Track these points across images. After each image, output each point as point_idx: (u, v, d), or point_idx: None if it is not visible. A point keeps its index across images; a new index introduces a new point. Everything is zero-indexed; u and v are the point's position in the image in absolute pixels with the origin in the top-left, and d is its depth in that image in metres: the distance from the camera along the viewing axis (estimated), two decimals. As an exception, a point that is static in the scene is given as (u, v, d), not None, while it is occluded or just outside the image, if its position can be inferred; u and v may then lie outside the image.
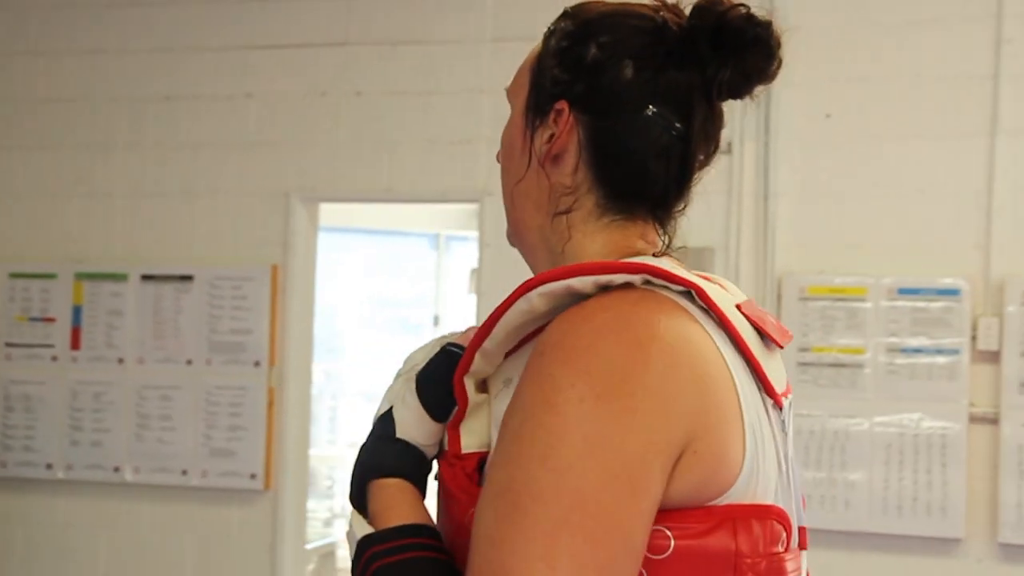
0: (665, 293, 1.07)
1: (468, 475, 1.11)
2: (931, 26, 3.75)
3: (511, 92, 1.24)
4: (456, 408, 1.14)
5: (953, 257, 3.65)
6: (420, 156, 4.17)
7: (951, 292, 3.60)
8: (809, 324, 3.70)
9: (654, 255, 1.17)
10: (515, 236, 1.25)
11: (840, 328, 3.67)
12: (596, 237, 1.17)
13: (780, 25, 1.14)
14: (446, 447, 1.16)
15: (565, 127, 1.16)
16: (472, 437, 1.13)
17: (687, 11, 1.16)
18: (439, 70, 4.16)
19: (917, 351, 3.60)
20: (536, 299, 1.08)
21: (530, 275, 1.14)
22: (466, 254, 7.34)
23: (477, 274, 4.19)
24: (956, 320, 3.58)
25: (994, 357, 3.57)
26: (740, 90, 1.16)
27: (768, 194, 3.81)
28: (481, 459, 1.12)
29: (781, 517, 1.08)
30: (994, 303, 3.59)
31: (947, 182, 3.69)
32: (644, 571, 1.00)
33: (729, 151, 3.87)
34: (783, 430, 1.15)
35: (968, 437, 3.56)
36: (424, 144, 4.16)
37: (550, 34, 1.21)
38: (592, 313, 1.03)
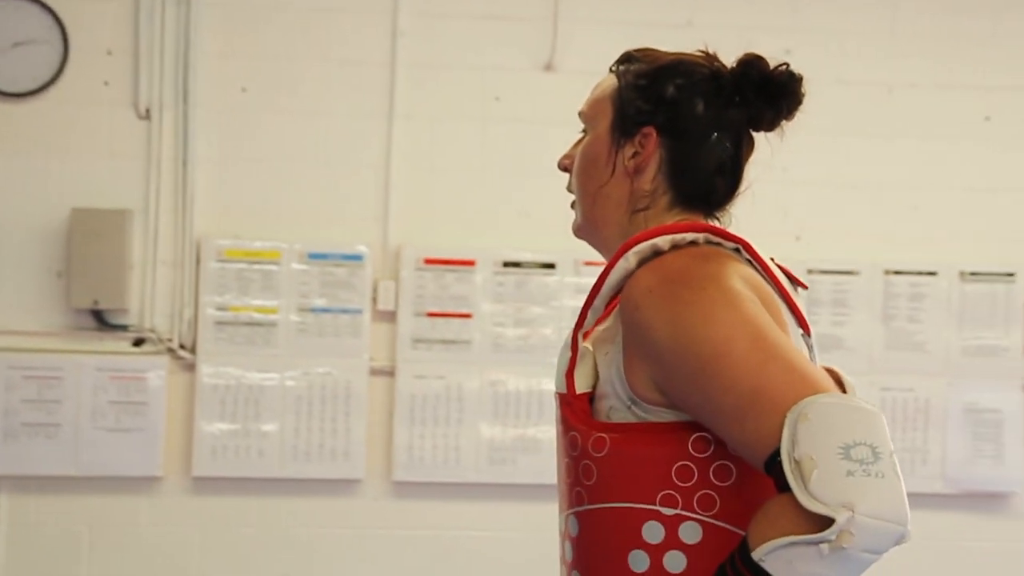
0: (721, 249, 1.46)
1: (585, 411, 1.45)
2: (335, 14, 4.08)
3: (588, 116, 1.61)
4: (569, 358, 1.43)
5: (357, 225, 4.02)
6: None
7: (355, 257, 3.97)
8: (226, 285, 3.91)
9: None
10: (590, 229, 1.61)
11: (255, 289, 3.92)
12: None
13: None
14: (560, 389, 1.49)
15: (651, 147, 1.53)
16: (581, 380, 1.46)
17: (726, 61, 1.51)
18: None
19: (325, 311, 3.94)
20: (632, 257, 1.40)
21: None
22: None
23: None
24: (359, 283, 3.96)
25: (391, 317, 4.00)
26: (772, 125, 1.56)
27: (187, 160, 3.96)
28: (589, 397, 1.46)
29: None
30: (391, 268, 4.02)
31: (352, 158, 4.06)
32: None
33: (148, 117, 3.97)
34: (812, 353, 1.53)
35: (369, 388, 3.96)
36: None
37: (624, 72, 1.59)
38: (673, 260, 1.42)
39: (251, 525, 3.96)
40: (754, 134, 1.61)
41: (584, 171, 1.60)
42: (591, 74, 4.21)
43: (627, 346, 1.41)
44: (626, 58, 1.62)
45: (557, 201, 4.12)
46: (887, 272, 4.18)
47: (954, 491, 4.18)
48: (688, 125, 1.54)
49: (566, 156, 1.65)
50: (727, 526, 1.38)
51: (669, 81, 1.55)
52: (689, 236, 1.46)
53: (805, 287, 1.60)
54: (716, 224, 1.56)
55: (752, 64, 1.53)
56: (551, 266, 4.06)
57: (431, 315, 3.99)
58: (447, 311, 4.00)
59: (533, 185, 4.14)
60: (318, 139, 4.05)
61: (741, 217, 4.29)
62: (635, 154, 1.55)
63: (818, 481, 1.22)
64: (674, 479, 1.39)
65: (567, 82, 4.18)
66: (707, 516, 1.39)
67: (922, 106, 4.31)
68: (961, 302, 4.21)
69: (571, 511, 1.47)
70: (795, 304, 1.53)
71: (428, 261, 4.01)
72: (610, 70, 1.65)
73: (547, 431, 4.02)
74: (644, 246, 1.44)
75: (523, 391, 4.02)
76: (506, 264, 4.04)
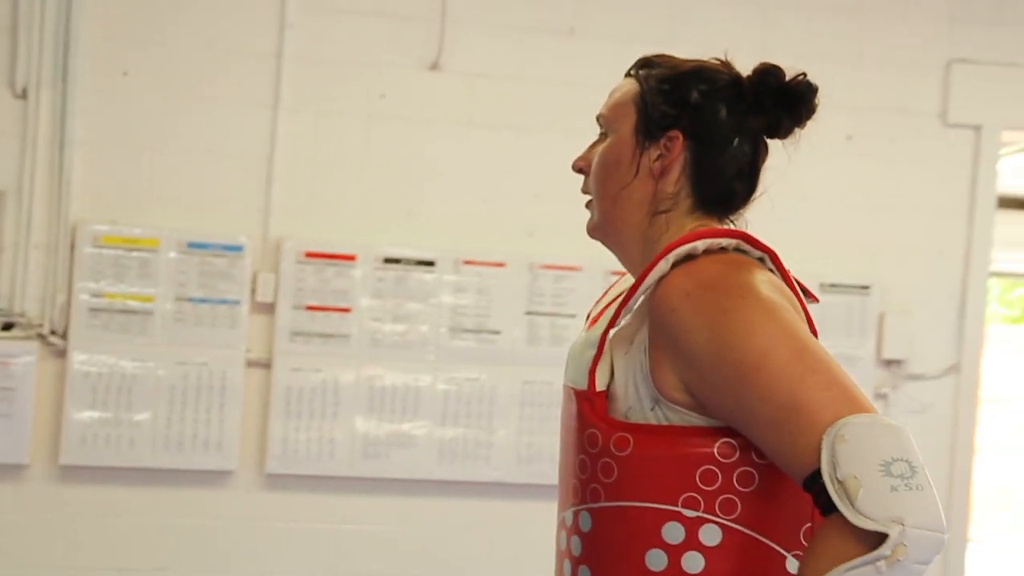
0: (748, 257, 1.51)
1: (604, 408, 1.48)
2: (223, 2, 4.05)
3: (609, 119, 1.63)
4: (593, 355, 1.43)
5: (237, 216, 4.01)
6: None
7: (234, 248, 3.95)
8: (101, 272, 3.85)
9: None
10: (608, 229, 1.62)
11: (132, 277, 3.87)
12: (686, 231, 1.55)
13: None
14: (580, 387, 1.50)
15: (678, 150, 1.56)
16: (600, 377, 1.50)
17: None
18: None
19: (202, 301, 3.92)
20: (671, 260, 1.42)
21: None
22: None
23: None
24: (238, 273, 3.95)
25: (270, 308, 4.00)
26: (787, 133, 1.61)
27: (64, 142, 3.88)
28: (605, 395, 1.49)
29: None
30: (271, 260, 4.01)
31: (234, 148, 4.04)
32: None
33: (24, 96, 3.88)
34: None
35: (245, 380, 3.95)
36: None
37: (646, 76, 1.60)
38: (707, 265, 1.46)
39: (120, 515, 3.91)
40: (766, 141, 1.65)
41: (605, 172, 1.62)
42: (476, 75, 4.30)
43: (655, 347, 1.45)
44: (645, 63, 1.64)
45: (439, 199, 4.20)
46: (753, 281, 4.34)
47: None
48: (712, 130, 1.57)
49: (581, 158, 1.68)
50: (746, 530, 1.43)
51: (693, 86, 1.58)
52: (723, 242, 1.50)
53: (817, 300, 1.66)
54: (746, 231, 1.60)
55: (770, 72, 1.58)
56: (431, 264, 4.11)
57: (310, 308, 4.00)
58: (326, 305, 4.02)
59: (416, 183, 4.18)
60: (201, 127, 4.02)
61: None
62: (660, 157, 1.58)
63: (865, 499, 1.27)
64: (698, 482, 1.43)
65: (452, 82, 4.24)
66: (727, 520, 1.43)
67: (790, 123, 4.48)
68: (820, 313, 4.38)
69: (583, 507, 1.49)
70: (810, 317, 1.58)
71: (309, 254, 4.01)
72: (627, 74, 1.66)
73: (421, 426, 4.07)
74: (683, 249, 1.47)
75: (399, 386, 4.06)
76: (387, 260, 4.08)
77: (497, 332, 4.14)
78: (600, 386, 1.50)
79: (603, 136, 1.66)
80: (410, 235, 4.14)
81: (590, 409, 1.49)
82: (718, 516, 1.43)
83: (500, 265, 4.16)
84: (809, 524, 1.47)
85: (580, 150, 4.48)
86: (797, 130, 1.62)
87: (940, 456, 4.55)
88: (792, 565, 1.45)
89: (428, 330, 4.10)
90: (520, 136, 4.30)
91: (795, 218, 4.46)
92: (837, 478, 1.28)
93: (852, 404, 1.34)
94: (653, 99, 1.59)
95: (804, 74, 1.59)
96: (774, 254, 1.55)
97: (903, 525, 1.26)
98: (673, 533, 1.43)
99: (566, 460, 1.55)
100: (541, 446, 4.16)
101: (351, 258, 4.04)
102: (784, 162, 4.45)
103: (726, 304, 1.41)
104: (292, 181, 4.06)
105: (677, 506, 1.43)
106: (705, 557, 1.43)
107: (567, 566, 1.54)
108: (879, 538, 1.26)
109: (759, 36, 4.46)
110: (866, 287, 4.45)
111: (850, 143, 4.53)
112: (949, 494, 4.54)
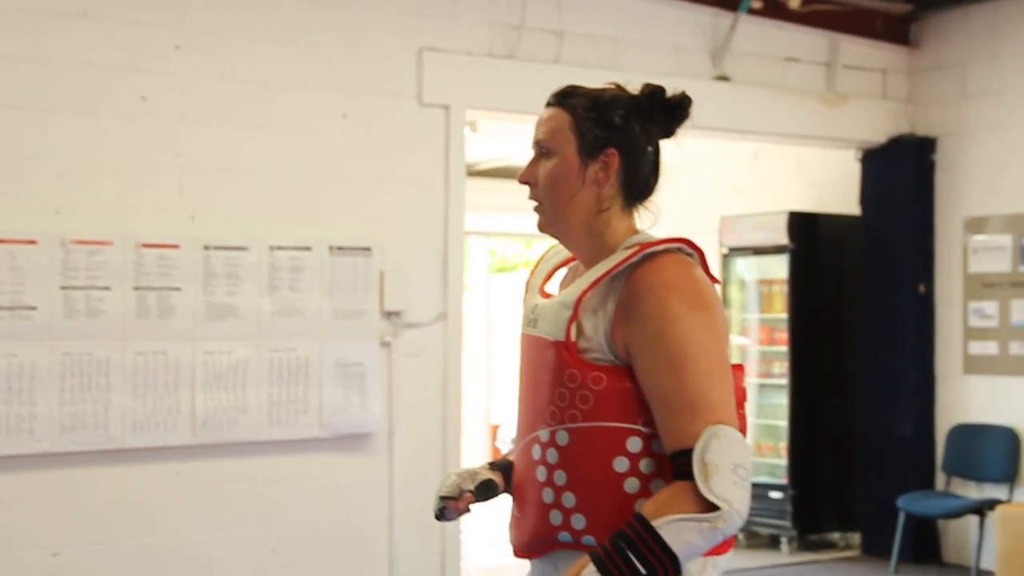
0: (690, 258, 2.03)
1: (576, 354, 2.01)
2: None
3: (551, 143, 2.10)
4: (570, 315, 2.02)
5: None
6: None
7: None
8: None
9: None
10: (560, 226, 2.12)
11: None
12: (622, 223, 2.11)
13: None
14: (558, 338, 2.02)
15: (615, 163, 2.08)
16: (572, 331, 2.03)
17: (632, 89, 1.96)
18: None
19: None
20: (638, 256, 2.00)
21: None
22: None
23: None
24: None
25: None
26: (673, 134, 2.11)
27: None
28: (576, 345, 2.03)
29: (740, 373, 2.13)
30: None
31: None
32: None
33: None
34: None
35: None
36: None
37: (573, 106, 2.09)
38: (668, 266, 1.99)
39: None
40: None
41: (556, 185, 2.12)
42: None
43: (617, 318, 2.00)
44: (565, 94, 2.13)
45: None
46: (271, 248, 4.76)
47: (329, 435, 4.87)
48: (634, 144, 2.10)
49: (527, 173, 2.15)
50: None
51: (614, 112, 2.09)
52: (676, 246, 2.05)
53: (718, 282, 2.17)
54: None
55: (658, 91, 2.12)
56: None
57: None
58: None
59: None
60: None
61: (145, 199, 4.58)
62: (601, 169, 2.09)
63: (716, 482, 1.88)
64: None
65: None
66: None
67: (293, 102, 4.93)
68: (331, 272, 4.90)
69: (561, 426, 2.04)
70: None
71: None
72: (548, 103, 2.14)
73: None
74: (649, 251, 2.01)
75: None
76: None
77: (33, 308, 4.24)
78: (572, 338, 2.04)
79: (542, 155, 2.13)
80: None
81: (568, 355, 2.04)
82: None
83: (31, 242, 4.26)
84: None
85: (105, 130, 4.63)
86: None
87: (434, 391, 5.23)
88: None
89: (-38, 310, 4.11)
90: (40, 116, 4.40)
91: (305, 189, 4.93)
92: (704, 460, 1.90)
93: (730, 418, 1.96)
94: (586, 125, 2.10)
95: (684, 91, 2.13)
96: (702, 253, 2.09)
97: (731, 507, 1.88)
98: (635, 445, 1.99)
99: (539, 392, 2.08)
100: (84, 415, 4.32)
101: None
102: (292, 137, 4.88)
103: (678, 310, 1.97)
104: None
105: (638, 425, 1.99)
106: (656, 461, 1.99)
107: (542, 471, 2.07)
108: (710, 508, 1.87)
109: (262, 25, 4.85)
110: (367, 248, 5.01)
111: (345, 121, 5.06)
112: (444, 422, 5.23)
